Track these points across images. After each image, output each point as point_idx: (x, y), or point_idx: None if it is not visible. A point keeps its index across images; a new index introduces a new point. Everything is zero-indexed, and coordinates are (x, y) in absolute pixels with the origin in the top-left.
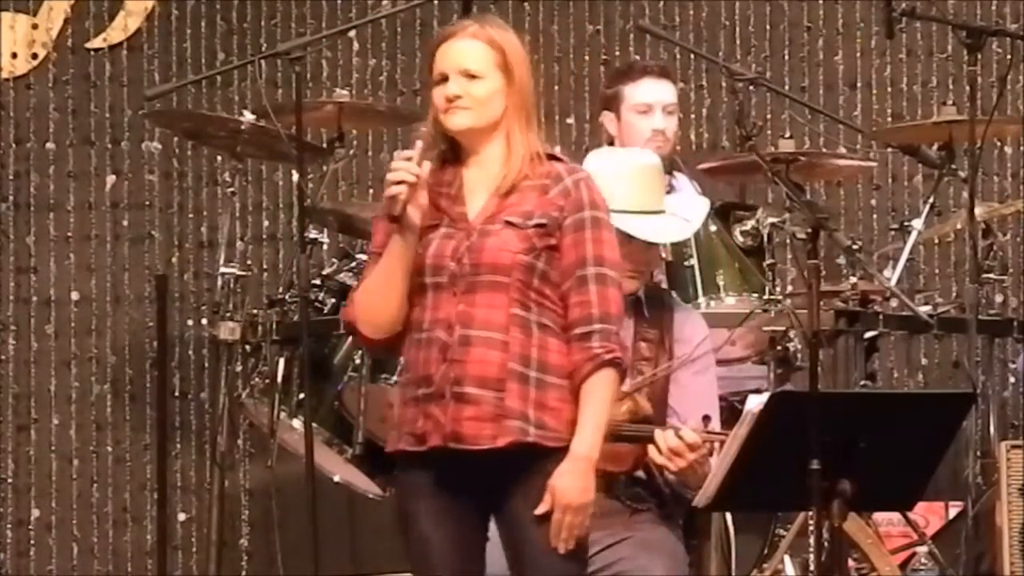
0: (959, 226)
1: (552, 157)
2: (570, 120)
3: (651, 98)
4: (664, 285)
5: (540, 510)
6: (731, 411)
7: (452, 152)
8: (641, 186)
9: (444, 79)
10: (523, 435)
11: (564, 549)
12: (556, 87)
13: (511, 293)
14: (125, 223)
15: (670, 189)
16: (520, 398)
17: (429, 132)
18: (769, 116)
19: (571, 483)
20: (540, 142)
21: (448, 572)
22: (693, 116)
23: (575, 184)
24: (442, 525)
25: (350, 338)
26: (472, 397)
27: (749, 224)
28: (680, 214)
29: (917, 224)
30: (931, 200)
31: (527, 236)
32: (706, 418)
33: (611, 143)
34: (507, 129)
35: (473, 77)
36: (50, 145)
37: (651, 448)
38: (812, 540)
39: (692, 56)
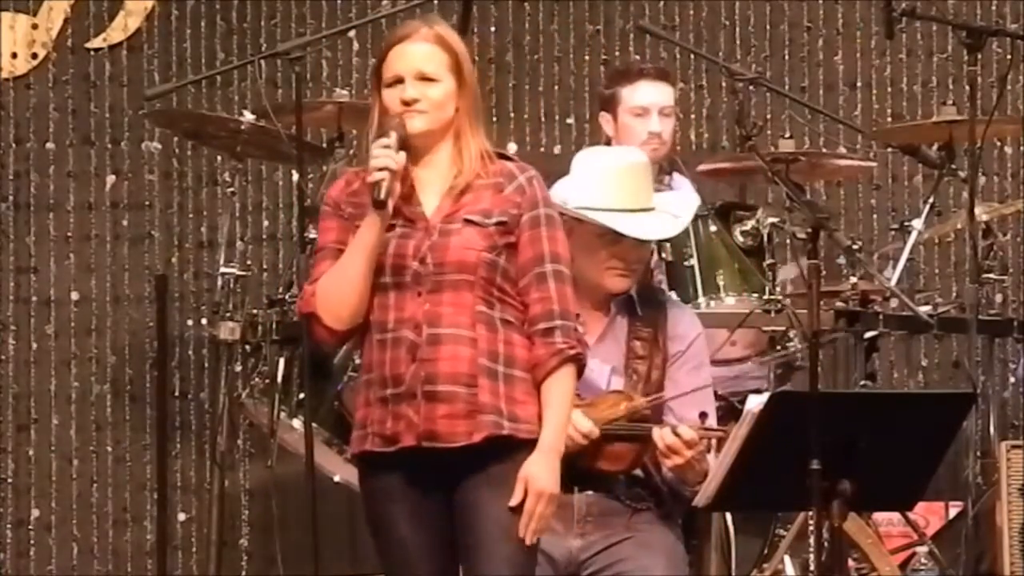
0: (959, 226)
1: (501, 156)
2: (570, 120)
3: (647, 101)
4: (664, 285)
5: (514, 501)
6: (731, 411)
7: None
8: (629, 184)
9: (398, 81)
10: (498, 429)
11: (530, 540)
12: (556, 87)
13: (476, 291)
14: (125, 223)
15: (668, 190)
16: (491, 393)
17: (401, 123)
18: (769, 116)
19: (543, 472)
20: (487, 141)
21: (429, 573)
22: (693, 116)
23: (528, 181)
24: (420, 526)
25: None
26: (445, 395)
27: (749, 224)
28: (671, 211)
29: (917, 224)
30: (931, 200)
31: (489, 234)
32: (703, 415)
33: (608, 143)
34: (457, 130)
35: (429, 80)
36: (50, 145)
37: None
38: (812, 540)
39: (692, 56)
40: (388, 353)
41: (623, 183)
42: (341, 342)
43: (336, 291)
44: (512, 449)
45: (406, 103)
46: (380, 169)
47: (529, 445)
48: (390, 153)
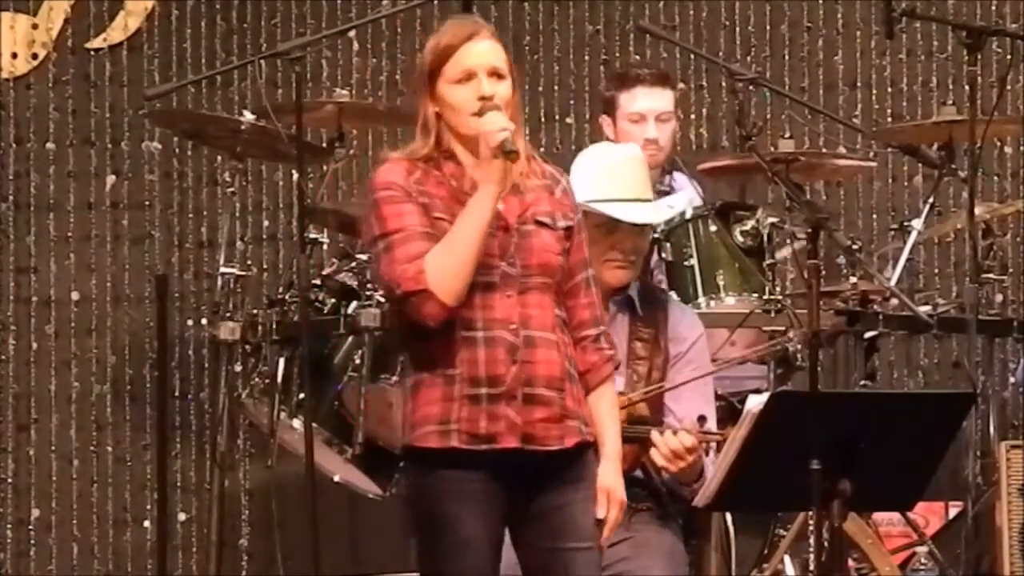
0: (959, 226)
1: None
2: (570, 120)
3: (643, 108)
4: (664, 285)
5: (601, 513)
6: (731, 411)
7: (448, 152)
8: (625, 175)
9: (470, 78)
10: (582, 435)
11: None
12: (556, 87)
13: (552, 294)
14: (125, 223)
15: (669, 189)
16: (572, 398)
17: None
18: (769, 116)
19: (618, 482)
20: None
21: (491, 575)
22: (693, 116)
23: (568, 184)
24: (486, 528)
25: (401, 317)
26: (543, 398)
27: (749, 224)
28: (667, 202)
29: (917, 224)
30: (931, 200)
31: (559, 237)
32: (702, 418)
33: None
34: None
35: (500, 77)
36: (50, 145)
37: (653, 451)
38: (812, 540)
39: (692, 56)
40: (481, 352)
41: (619, 175)
42: (447, 319)
43: (454, 265)
44: (584, 453)
45: (485, 97)
46: (503, 128)
47: (593, 448)
48: (504, 118)
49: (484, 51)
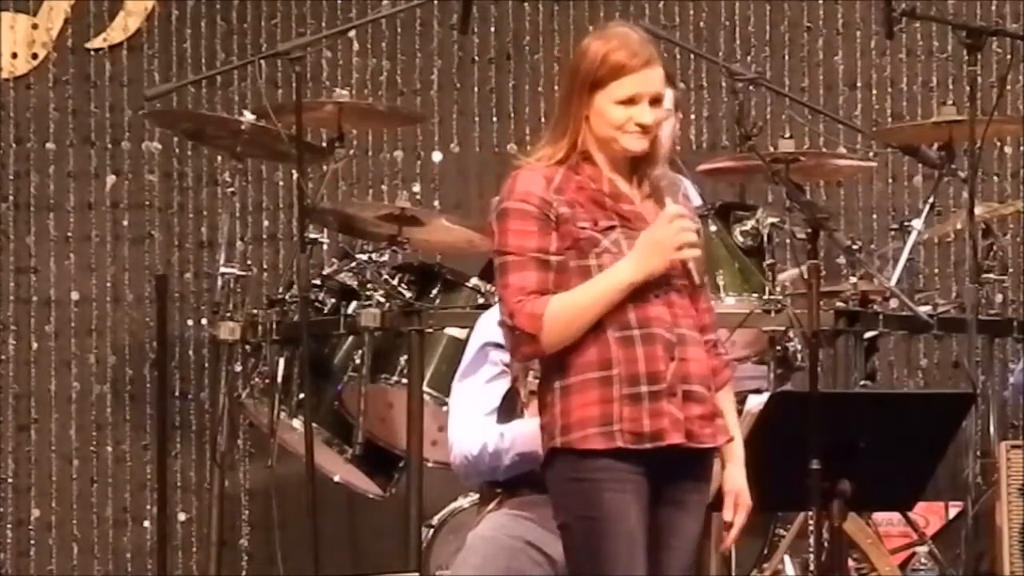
0: (959, 226)
1: None
2: None
3: None
4: None
5: (728, 516)
6: None
7: (585, 153)
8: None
9: (632, 101)
10: (728, 434)
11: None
12: (556, 87)
13: (689, 296)
14: (125, 223)
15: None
16: (712, 397)
17: (669, 181)
18: (769, 116)
19: (744, 485)
20: None
21: (645, 569)
22: (693, 116)
23: (686, 188)
24: (641, 523)
25: (513, 342)
26: (699, 395)
27: (749, 224)
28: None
29: (917, 224)
30: (931, 200)
31: None
32: None
33: None
34: (655, 137)
35: (658, 104)
36: (50, 145)
37: None
38: (812, 540)
39: (692, 56)
40: (640, 349)
41: None
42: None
43: (571, 327)
44: (715, 453)
45: (643, 127)
46: (692, 245)
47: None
48: (694, 235)
49: (654, 79)
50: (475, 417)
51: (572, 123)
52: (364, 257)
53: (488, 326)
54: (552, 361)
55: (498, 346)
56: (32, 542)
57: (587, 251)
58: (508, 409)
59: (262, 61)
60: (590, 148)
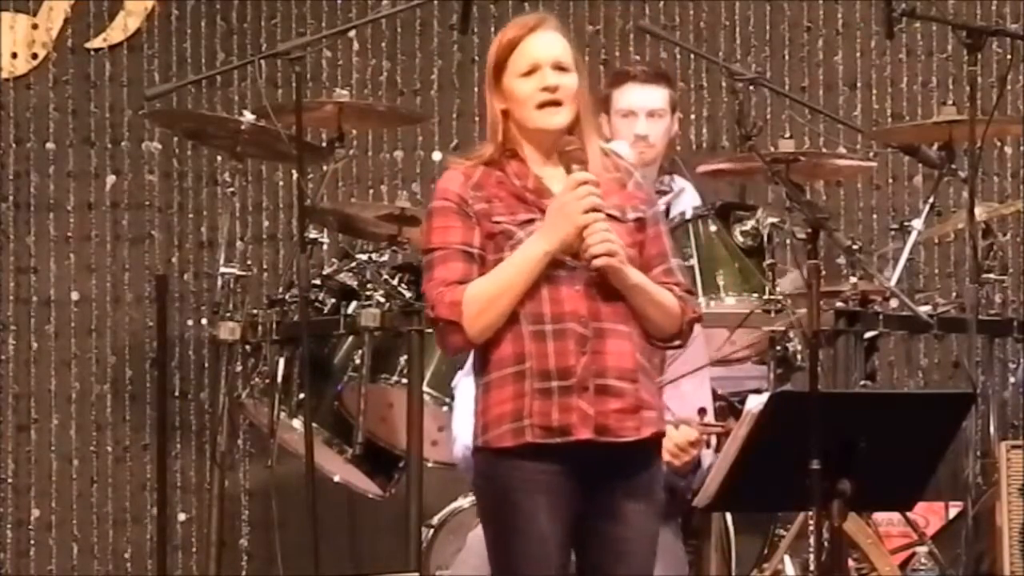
0: (959, 226)
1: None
2: None
3: (633, 104)
4: None
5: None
6: (731, 411)
7: (512, 151)
8: None
9: (535, 70)
10: (659, 425)
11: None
12: None
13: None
14: (125, 223)
15: (668, 190)
16: (647, 390)
17: (578, 158)
18: (769, 116)
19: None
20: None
21: (561, 570)
22: (693, 116)
23: (642, 178)
24: (559, 522)
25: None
26: (616, 389)
27: (749, 224)
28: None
29: (917, 224)
30: (931, 200)
31: (629, 230)
32: (702, 411)
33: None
34: (583, 126)
35: (564, 70)
36: (50, 145)
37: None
38: (812, 540)
39: (692, 56)
40: (551, 344)
41: None
42: (466, 352)
43: (491, 310)
44: (655, 446)
45: (549, 89)
46: (610, 253)
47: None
48: (611, 234)
49: (548, 43)
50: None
51: (496, 121)
52: (364, 257)
53: None
54: (476, 359)
55: None
56: (32, 542)
57: (503, 244)
58: None
59: (262, 61)
60: (517, 144)
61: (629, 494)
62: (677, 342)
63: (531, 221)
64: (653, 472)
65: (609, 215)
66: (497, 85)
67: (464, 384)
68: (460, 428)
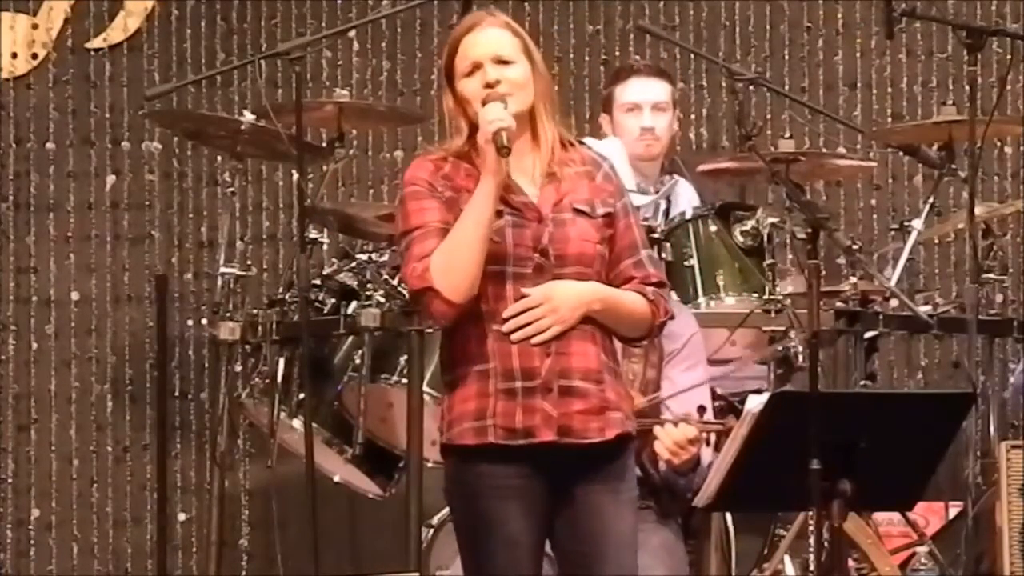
0: (959, 226)
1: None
2: (570, 120)
3: (639, 97)
4: None
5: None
6: (731, 411)
7: (466, 147)
8: None
9: (476, 68)
10: (624, 426)
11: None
12: (556, 87)
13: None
14: (125, 223)
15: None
16: (614, 390)
17: (503, 98)
18: (769, 116)
19: (560, 296)
20: (561, 126)
21: (534, 574)
22: (693, 116)
23: (611, 168)
24: (531, 525)
25: (421, 315)
26: (579, 390)
27: (749, 224)
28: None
29: (917, 224)
30: (931, 200)
31: (599, 226)
32: (701, 408)
33: None
34: (534, 115)
35: (506, 63)
36: (50, 145)
37: (657, 444)
38: (812, 540)
39: (692, 56)
40: (513, 345)
41: None
42: (457, 317)
43: (457, 262)
44: (626, 446)
45: (489, 85)
46: (500, 120)
47: (634, 440)
48: (503, 111)
49: (485, 40)
50: None
51: (453, 120)
52: (364, 257)
53: None
54: (443, 356)
55: None
56: (32, 542)
57: None
58: None
59: (262, 61)
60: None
61: (599, 487)
62: (644, 342)
63: (499, 214)
64: (622, 462)
65: (578, 210)
66: (450, 86)
67: None
68: None
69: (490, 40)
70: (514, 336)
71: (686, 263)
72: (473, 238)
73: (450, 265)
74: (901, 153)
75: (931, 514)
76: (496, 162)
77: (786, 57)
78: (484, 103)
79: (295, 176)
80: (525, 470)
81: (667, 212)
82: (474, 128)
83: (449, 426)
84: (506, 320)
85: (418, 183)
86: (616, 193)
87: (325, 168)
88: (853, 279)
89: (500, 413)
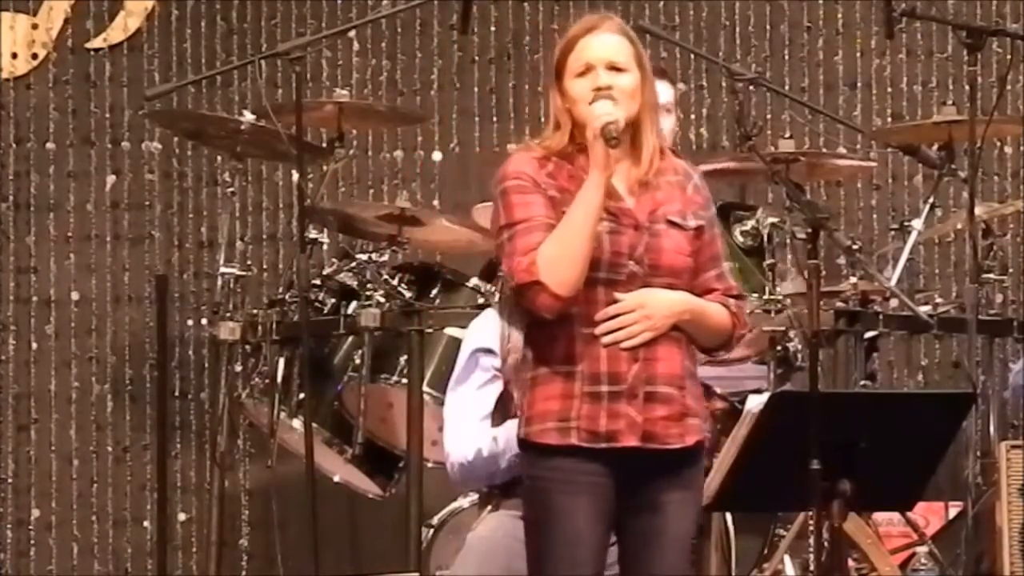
0: (959, 226)
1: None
2: None
3: None
4: None
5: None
6: (731, 411)
7: (581, 146)
8: None
9: (589, 70)
10: (702, 433)
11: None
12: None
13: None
14: (125, 223)
15: None
16: (694, 396)
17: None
18: (769, 116)
19: (656, 304)
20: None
21: (596, 573)
22: (693, 116)
23: (701, 180)
24: (597, 525)
25: (515, 307)
26: (664, 396)
27: (749, 224)
28: None
29: (917, 224)
30: (931, 200)
31: (690, 238)
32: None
33: None
34: (639, 124)
35: (619, 71)
36: (50, 145)
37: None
38: (812, 540)
39: (692, 56)
40: (603, 349)
41: None
42: (563, 311)
43: (565, 256)
44: (701, 454)
45: (600, 88)
46: (607, 115)
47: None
48: (612, 107)
49: (601, 44)
50: (469, 424)
51: (558, 117)
52: (364, 257)
53: (478, 332)
54: (528, 353)
55: (488, 351)
56: (32, 542)
57: None
58: (501, 412)
59: (262, 61)
60: (586, 141)
61: (669, 489)
62: (722, 352)
63: (599, 220)
64: (696, 468)
65: (671, 221)
66: (559, 84)
67: (453, 399)
68: (452, 443)
69: (607, 45)
70: (605, 339)
71: None
72: (583, 232)
73: (559, 259)
74: (901, 153)
75: (931, 514)
76: (605, 156)
77: (786, 57)
78: (591, 103)
79: (295, 176)
80: (600, 469)
81: None
82: (577, 129)
83: (528, 421)
84: (598, 323)
85: (522, 177)
86: (705, 205)
87: (325, 168)
88: (853, 279)
89: (584, 416)
